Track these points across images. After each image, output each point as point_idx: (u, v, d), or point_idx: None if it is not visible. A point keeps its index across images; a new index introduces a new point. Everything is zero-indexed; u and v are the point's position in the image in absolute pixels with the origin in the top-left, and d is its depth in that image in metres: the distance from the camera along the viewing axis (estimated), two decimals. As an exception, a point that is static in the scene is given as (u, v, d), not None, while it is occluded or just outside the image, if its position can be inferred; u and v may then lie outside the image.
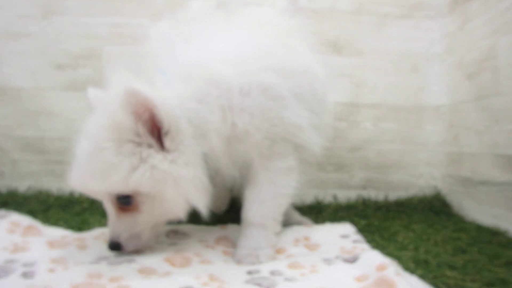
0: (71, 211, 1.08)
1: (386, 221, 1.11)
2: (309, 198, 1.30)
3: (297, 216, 1.03)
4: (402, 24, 1.35)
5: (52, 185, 1.24)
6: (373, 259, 0.55)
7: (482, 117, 1.11)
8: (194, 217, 0.86)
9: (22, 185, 1.24)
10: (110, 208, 0.61)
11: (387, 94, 1.35)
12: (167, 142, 0.58)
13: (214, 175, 0.65)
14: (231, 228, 0.78)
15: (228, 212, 1.04)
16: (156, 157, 0.57)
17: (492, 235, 0.93)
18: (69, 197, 1.18)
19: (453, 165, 1.27)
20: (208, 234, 0.76)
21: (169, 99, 0.58)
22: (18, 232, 0.69)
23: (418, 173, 1.35)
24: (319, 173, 1.33)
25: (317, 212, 1.20)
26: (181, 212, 0.61)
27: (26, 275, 0.53)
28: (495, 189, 1.04)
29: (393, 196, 1.32)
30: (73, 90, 1.26)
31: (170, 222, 0.88)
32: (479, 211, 1.10)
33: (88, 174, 0.57)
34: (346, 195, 1.33)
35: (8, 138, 1.25)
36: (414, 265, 0.68)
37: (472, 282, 0.59)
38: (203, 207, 0.60)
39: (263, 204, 0.67)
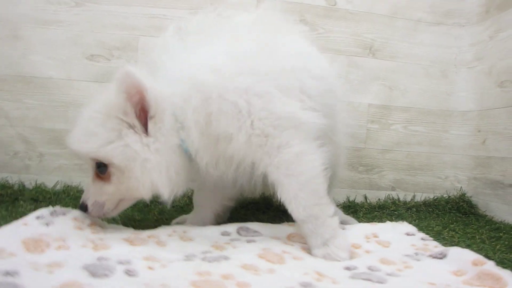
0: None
1: (422, 220, 1.14)
2: (341, 198, 1.32)
3: (342, 215, 1.04)
4: (433, 30, 1.39)
5: (82, 181, 1.18)
6: (465, 254, 0.57)
7: (515, 123, 1.16)
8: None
9: (49, 180, 1.18)
10: (90, 172, 0.69)
11: (417, 98, 1.38)
12: (149, 126, 0.65)
13: (197, 171, 0.70)
14: (298, 225, 0.78)
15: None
16: (132, 137, 0.64)
17: None
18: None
19: (479, 168, 1.33)
20: (277, 230, 0.75)
21: (159, 91, 0.65)
22: (86, 230, 0.66)
23: (444, 175, 1.40)
24: (350, 173, 1.35)
25: (353, 212, 1.22)
26: (144, 193, 0.67)
27: (129, 273, 0.50)
28: (527, 192, 1.09)
29: (419, 197, 1.36)
30: (106, 82, 1.20)
31: (235, 219, 0.87)
32: (509, 212, 1.16)
33: (76, 137, 0.67)
34: (375, 196, 1.36)
35: (35, 130, 1.18)
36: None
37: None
38: (166, 193, 0.66)
39: (297, 198, 0.65)
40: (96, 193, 0.68)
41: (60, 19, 1.18)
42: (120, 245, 0.61)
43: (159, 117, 0.64)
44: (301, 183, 0.65)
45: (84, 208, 0.69)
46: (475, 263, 0.54)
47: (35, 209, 0.95)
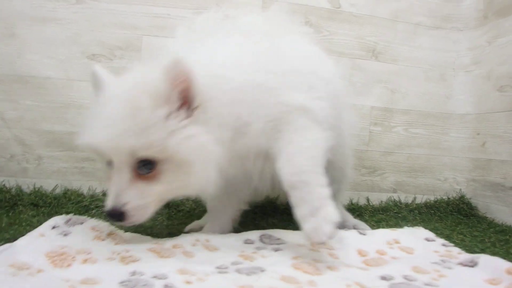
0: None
1: (427, 223, 1.15)
2: (342, 201, 1.32)
3: (352, 219, 1.05)
4: (432, 34, 1.41)
5: (82, 185, 1.15)
6: (497, 262, 0.57)
7: (514, 127, 1.19)
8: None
9: (48, 184, 1.13)
10: (124, 172, 0.59)
11: (417, 101, 1.41)
12: (196, 115, 0.60)
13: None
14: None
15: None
16: (194, 128, 0.59)
17: None
18: (104, 198, 1.10)
19: (478, 170, 1.36)
20: (299, 237, 0.74)
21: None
22: (107, 240, 0.63)
23: (443, 177, 1.42)
24: (353, 175, 1.35)
25: (358, 214, 1.22)
26: (195, 190, 0.63)
27: None
28: (528, 194, 1.13)
29: (420, 199, 1.38)
30: (107, 83, 1.17)
31: (246, 224, 0.86)
32: (510, 214, 1.19)
33: (122, 132, 0.57)
34: (377, 198, 1.37)
35: (32, 132, 1.14)
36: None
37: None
38: (212, 190, 0.63)
39: (291, 161, 0.65)
40: (138, 196, 0.59)
41: (59, 17, 1.14)
42: (149, 258, 0.58)
43: (203, 107, 0.60)
44: (301, 148, 0.66)
45: (117, 215, 0.58)
46: (509, 272, 0.54)
47: (36, 215, 0.93)
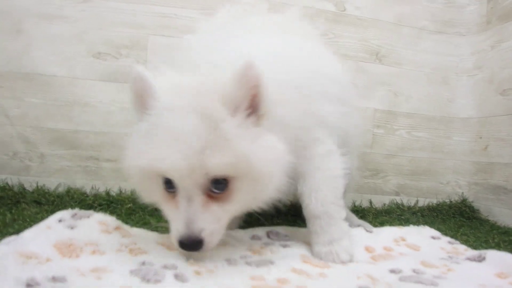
0: (120, 212, 0.99)
1: (430, 225, 1.14)
2: (347, 202, 1.32)
3: (357, 220, 1.05)
4: (436, 39, 1.42)
5: (86, 184, 1.14)
6: (505, 257, 0.58)
7: (517, 130, 1.20)
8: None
9: (50, 182, 1.12)
10: (196, 195, 0.52)
11: (420, 104, 1.41)
12: (266, 122, 0.55)
13: None
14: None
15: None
16: (268, 137, 0.55)
17: None
18: (107, 197, 1.09)
19: (480, 173, 1.36)
20: (305, 235, 0.74)
21: None
22: (114, 233, 0.63)
23: (445, 181, 1.43)
24: (358, 177, 1.35)
25: (362, 216, 1.22)
26: (267, 202, 0.59)
27: (179, 278, 0.49)
28: (530, 197, 1.13)
29: (422, 202, 1.38)
30: (113, 81, 1.17)
31: (263, 223, 0.86)
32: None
33: (201, 149, 0.49)
34: (380, 200, 1.37)
35: (36, 130, 1.13)
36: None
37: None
38: (277, 198, 0.60)
39: (319, 191, 0.66)
40: (213, 220, 0.53)
41: (66, 15, 1.14)
42: (157, 250, 0.58)
43: (268, 113, 0.55)
44: (325, 178, 0.67)
45: (198, 244, 0.51)
46: None
47: (39, 212, 0.92)
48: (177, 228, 0.52)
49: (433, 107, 1.42)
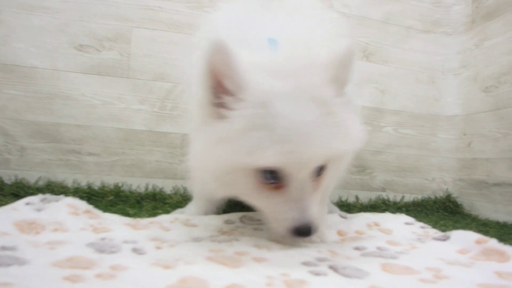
0: (100, 204, 0.97)
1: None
2: (333, 198, 1.32)
3: (338, 211, 1.05)
4: (423, 38, 1.44)
5: (67, 177, 1.11)
6: (468, 235, 0.59)
7: (499, 125, 1.22)
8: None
9: (31, 176, 1.09)
10: (308, 183, 0.50)
11: (407, 102, 1.42)
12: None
13: None
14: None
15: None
16: (354, 115, 0.54)
17: None
18: (89, 190, 1.07)
19: (464, 170, 1.38)
20: None
21: None
22: (83, 215, 0.62)
23: (431, 177, 1.44)
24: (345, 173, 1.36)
25: (346, 210, 1.22)
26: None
27: (137, 251, 0.48)
28: (511, 189, 1.15)
29: (408, 198, 1.39)
30: (96, 74, 1.15)
31: (242, 208, 0.85)
32: (493, 210, 1.22)
33: (325, 138, 0.47)
34: (366, 196, 1.37)
35: (16, 122, 1.10)
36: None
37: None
38: None
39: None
40: (315, 204, 0.52)
41: (47, 5, 1.11)
42: (122, 229, 0.59)
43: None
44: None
45: (312, 230, 0.51)
46: (478, 242, 0.57)
47: None
48: (291, 217, 0.50)
49: (419, 105, 1.44)
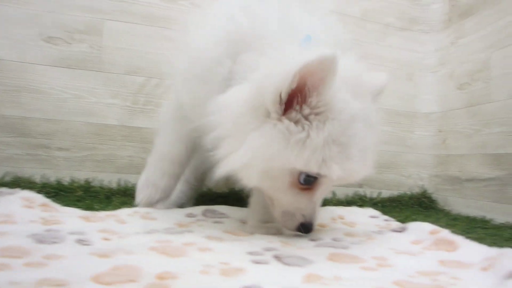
0: (67, 200, 0.95)
1: (386, 214, 1.17)
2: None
3: None
4: (401, 35, 1.44)
5: (36, 173, 1.09)
6: (423, 226, 0.60)
7: (472, 122, 1.24)
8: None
9: (-3, 171, 1.07)
10: (328, 190, 0.58)
11: (385, 99, 1.40)
12: None
13: None
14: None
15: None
16: None
17: (482, 222, 1.05)
18: (58, 185, 1.05)
19: (440, 166, 1.39)
20: (240, 214, 0.74)
21: None
22: (37, 208, 0.61)
23: (407, 173, 1.45)
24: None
25: (322, 205, 1.22)
26: None
27: (81, 242, 0.48)
28: (482, 185, 1.17)
29: (386, 194, 1.40)
30: (66, 67, 1.13)
31: (207, 202, 0.84)
32: (465, 205, 1.23)
33: (370, 162, 0.55)
34: (343, 192, 1.37)
35: (-19, 115, 1.07)
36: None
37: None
38: None
39: None
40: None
41: (15, -4, 1.09)
42: (74, 221, 0.58)
43: None
44: None
45: (312, 227, 0.57)
46: (432, 233, 0.58)
47: None
48: (307, 214, 0.56)
49: (398, 102, 1.44)
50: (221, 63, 0.58)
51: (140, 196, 0.79)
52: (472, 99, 1.25)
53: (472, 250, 0.52)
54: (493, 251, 0.50)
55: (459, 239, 0.54)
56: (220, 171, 0.52)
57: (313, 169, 0.50)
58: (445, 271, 0.43)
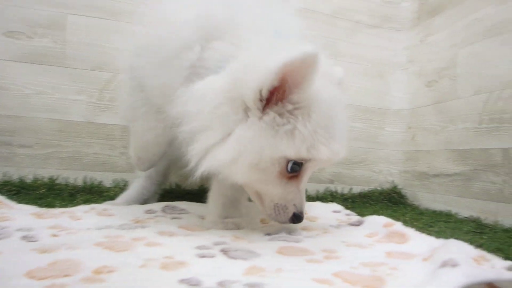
0: (28, 197, 0.92)
1: (355, 209, 1.19)
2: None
3: None
4: (372, 33, 1.46)
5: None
6: (378, 220, 0.62)
7: (438, 118, 1.27)
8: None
9: (-47, 170, 1.02)
10: (306, 178, 0.58)
11: (357, 96, 1.45)
12: None
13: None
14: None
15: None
16: None
17: (446, 216, 1.09)
18: (20, 183, 1.02)
19: (409, 162, 1.43)
20: (201, 210, 0.74)
21: None
22: None
23: (378, 169, 1.48)
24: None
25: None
26: None
27: (27, 238, 0.47)
28: (447, 180, 1.20)
29: (356, 189, 1.42)
30: (28, 62, 1.09)
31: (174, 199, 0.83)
32: (432, 199, 1.26)
33: (347, 142, 0.57)
34: (315, 188, 1.39)
35: None
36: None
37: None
38: None
39: None
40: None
41: (-28, -13, 1.04)
42: (26, 219, 0.57)
43: None
44: None
45: (302, 217, 0.57)
46: (385, 226, 0.60)
47: None
48: (298, 203, 0.56)
49: (368, 99, 1.47)
50: (190, 47, 0.55)
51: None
52: (439, 96, 1.28)
53: (421, 242, 0.53)
54: (439, 242, 0.52)
55: (411, 232, 0.56)
56: (203, 168, 0.51)
57: (303, 155, 0.51)
58: (388, 262, 0.44)
